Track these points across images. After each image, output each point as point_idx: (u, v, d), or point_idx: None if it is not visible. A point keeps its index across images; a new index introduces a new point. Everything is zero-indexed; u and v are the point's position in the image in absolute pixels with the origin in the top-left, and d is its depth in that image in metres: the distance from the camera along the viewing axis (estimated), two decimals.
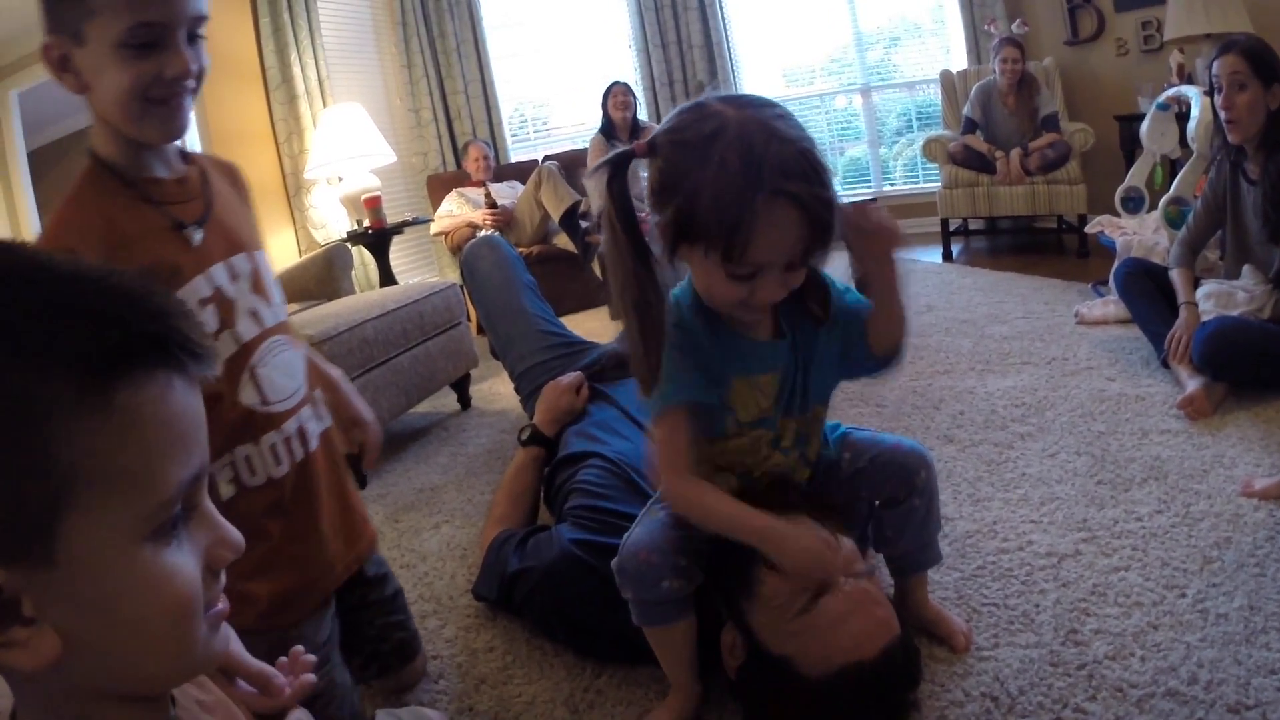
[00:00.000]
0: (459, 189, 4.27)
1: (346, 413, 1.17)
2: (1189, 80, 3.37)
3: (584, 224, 3.94)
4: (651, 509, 1.09)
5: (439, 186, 4.43)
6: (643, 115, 4.62)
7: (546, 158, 4.42)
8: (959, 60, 4.58)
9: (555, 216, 3.97)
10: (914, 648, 1.06)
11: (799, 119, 0.90)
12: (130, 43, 0.84)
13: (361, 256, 4.00)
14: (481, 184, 4.31)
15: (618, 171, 0.93)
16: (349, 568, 1.13)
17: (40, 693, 0.46)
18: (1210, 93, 2.01)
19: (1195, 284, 2.08)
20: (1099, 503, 1.49)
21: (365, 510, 1.19)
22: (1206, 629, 1.11)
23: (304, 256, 3.68)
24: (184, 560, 0.46)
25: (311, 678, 0.72)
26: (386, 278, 3.82)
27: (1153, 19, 3.92)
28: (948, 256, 4.06)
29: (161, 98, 0.88)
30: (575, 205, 3.92)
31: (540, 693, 1.23)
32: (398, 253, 4.29)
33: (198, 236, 0.95)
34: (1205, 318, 1.96)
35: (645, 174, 0.93)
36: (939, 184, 3.98)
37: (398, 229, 3.88)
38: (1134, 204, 2.97)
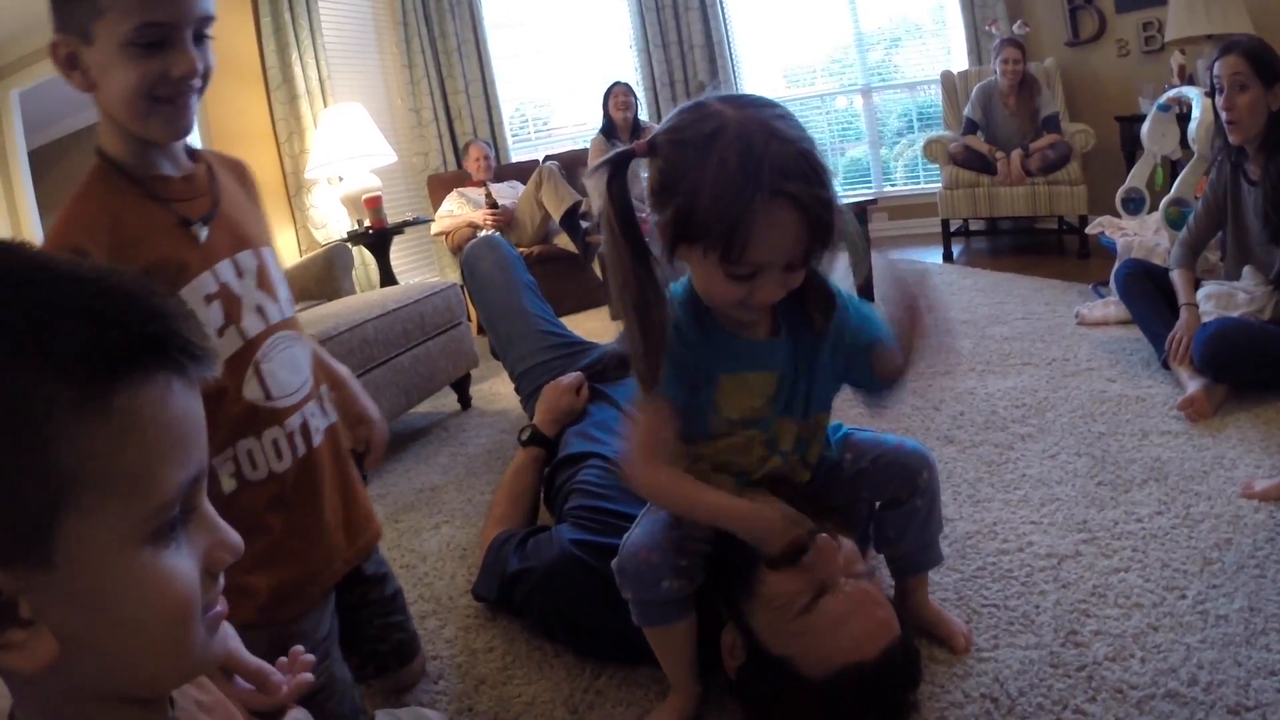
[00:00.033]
0: (460, 189, 4.27)
1: (352, 410, 1.18)
2: (1190, 81, 3.37)
3: (584, 224, 3.94)
4: (651, 509, 1.09)
5: (440, 186, 4.43)
6: (643, 115, 4.61)
7: (547, 158, 4.42)
8: (960, 61, 4.58)
9: (556, 217, 3.97)
10: (914, 649, 1.06)
11: (799, 119, 0.89)
12: (138, 42, 0.85)
13: (362, 256, 4.01)
14: (482, 184, 4.31)
15: (617, 171, 0.92)
16: (350, 562, 1.13)
17: (38, 694, 0.46)
18: (1211, 94, 2.00)
19: (1196, 285, 2.08)
20: (1099, 504, 1.49)
21: (371, 505, 1.19)
22: (1207, 630, 1.11)
23: (304, 256, 3.68)
24: (182, 562, 0.46)
25: (309, 676, 0.72)
26: (387, 278, 3.82)
27: (1154, 20, 3.92)
28: (948, 257, 4.06)
29: (168, 96, 0.89)
30: (576, 205, 3.92)
31: (540, 693, 1.23)
32: (398, 253, 4.29)
33: (204, 233, 0.96)
34: (1206, 319, 1.96)
35: (645, 174, 0.93)
36: (940, 185, 3.99)
37: (398, 229, 3.88)
38: (1135, 205, 2.97)
